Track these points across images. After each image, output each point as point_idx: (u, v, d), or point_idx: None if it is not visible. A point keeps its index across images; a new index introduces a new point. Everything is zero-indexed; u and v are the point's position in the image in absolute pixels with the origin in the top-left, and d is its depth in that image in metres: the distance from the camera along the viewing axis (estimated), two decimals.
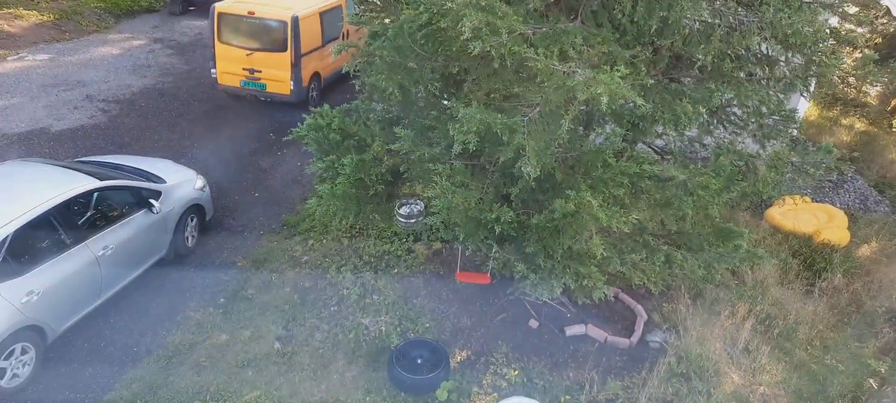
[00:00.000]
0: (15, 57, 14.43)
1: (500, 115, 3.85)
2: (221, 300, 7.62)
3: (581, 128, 5.14)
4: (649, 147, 6.32)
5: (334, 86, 13.81)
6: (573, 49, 3.87)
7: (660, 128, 5.47)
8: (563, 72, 3.56)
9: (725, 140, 5.92)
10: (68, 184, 6.65)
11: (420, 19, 4.40)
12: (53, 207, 6.29)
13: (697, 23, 4.59)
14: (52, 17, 17.05)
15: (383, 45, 4.82)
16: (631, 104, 4.69)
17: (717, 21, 4.57)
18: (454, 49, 4.16)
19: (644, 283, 5.72)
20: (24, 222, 5.99)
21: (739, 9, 4.62)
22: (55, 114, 11.69)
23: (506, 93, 4.21)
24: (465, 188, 4.34)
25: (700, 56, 4.71)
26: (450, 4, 3.57)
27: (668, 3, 4.15)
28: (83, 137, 10.99)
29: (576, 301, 6.90)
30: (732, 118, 5.94)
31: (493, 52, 3.60)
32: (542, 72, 3.62)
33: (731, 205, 6.64)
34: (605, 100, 3.42)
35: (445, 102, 5.28)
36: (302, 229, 9.01)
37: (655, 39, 4.68)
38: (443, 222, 4.38)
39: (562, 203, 4.13)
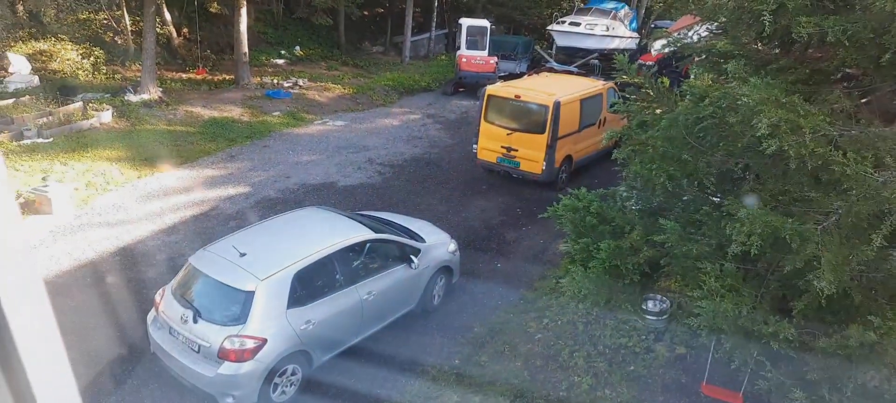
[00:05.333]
0: (320, 122, 17.37)
1: (789, 220, 3.47)
2: (456, 361, 7.91)
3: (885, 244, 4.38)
4: None
5: (583, 170, 13.93)
6: (891, 157, 3.36)
7: None
8: (881, 182, 3.10)
9: None
10: (351, 232, 7.64)
11: (701, 112, 4.25)
12: (337, 251, 7.24)
13: None
14: (351, 90, 20.27)
15: (656, 135, 4.74)
16: None
17: None
18: (739, 145, 3.91)
19: None
20: (314, 260, 6.97)
21: None
22: (342, 171, 13.67)
23: (797, 196, 3.80)
24: (737, 293, 3.97)
25: None
26: (745, 99, 3.38)
27: None
28: (361, 193, 12.63)
29: None
30: None
31: (791, 152, 3.29)
32: (852, 178, 3.20)
33: None
34: None
35: (715, 199, 4.95)
36: (538, 306, 9.04)
37: None
38: (707, 326, 4.03)
39: (860, 329, 3.53)
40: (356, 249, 7.61)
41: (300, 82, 20.28)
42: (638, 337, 8.15)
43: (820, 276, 3.34)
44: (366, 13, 28.29)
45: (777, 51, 4.80)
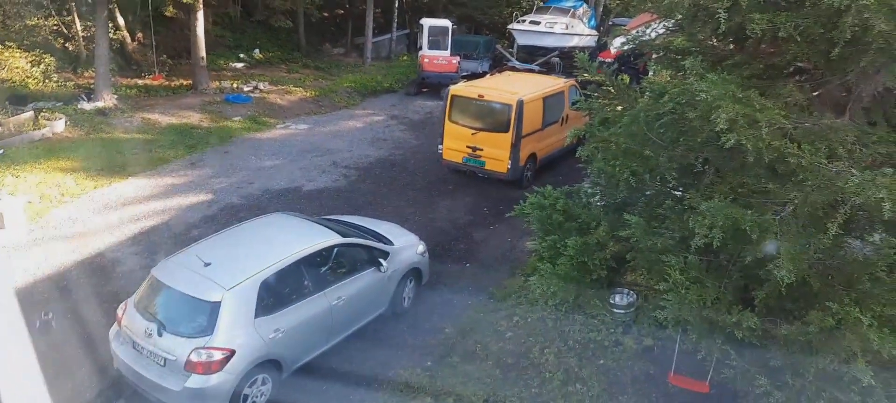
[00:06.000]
0: (282, 126, 17.15)
1: (749, 212, 3.57)
2: (428, 363, 7.90)
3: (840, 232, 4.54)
4: None
5: (547, 168, 14.06)
6: (843, 147, 3.49)
7: None
8: (835, 172, 3.21)
9: None
10: (317, 238, 7.55)
11: (661, 108, 4.33)
12: (304, 257, 7.15)
13: None
14: (313, 93, 20.07)
15: (618, 132, 4.82)
16: None
17: None
18: (698, 140, 4.01)
19: None
20: (281, 267, 6.88)
21: None
22: (307, 175, 13.52)
23: (755, 188, 3.90)
24: (701, 284, 4.06)
25: None
26: (704, 95, 3.46)
27: None
28: (327, 197, 12.51)
29: None
30: None
31: (748, 146, 3.38)
32: (806, 169, 3.30)
33: None
34: (887, 206, 3.00)
35: (677, 193, 5.06)
36: (508, 305, 9.09)
37: None
38: (673, 318, 4.12)
39: (819, 316, 3.65)
40: (324, 254, 7.52)
41: (260, 86, 19.98)
42: (606, 331, 8.26)
43: (780, 266, 3.45)
44: (326, 15, 28.03)
45: (732, 47, 4.93)
